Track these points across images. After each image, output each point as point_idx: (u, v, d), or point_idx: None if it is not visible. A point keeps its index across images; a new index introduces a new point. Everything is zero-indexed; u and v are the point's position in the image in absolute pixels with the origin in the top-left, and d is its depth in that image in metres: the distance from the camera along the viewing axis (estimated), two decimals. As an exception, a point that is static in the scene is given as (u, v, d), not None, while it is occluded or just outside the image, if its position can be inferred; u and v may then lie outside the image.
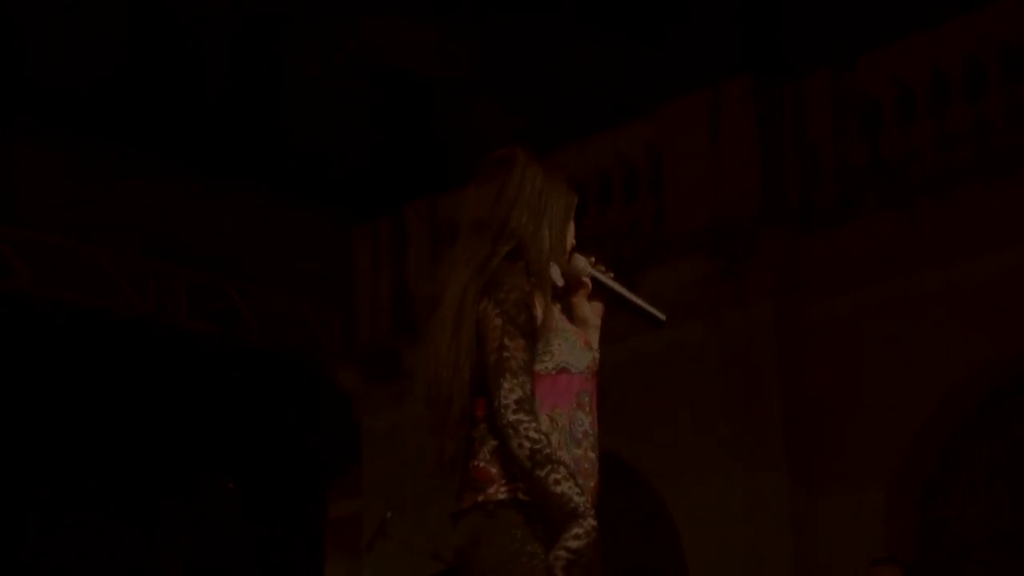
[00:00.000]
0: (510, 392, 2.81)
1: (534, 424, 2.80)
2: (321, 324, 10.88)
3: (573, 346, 2.95)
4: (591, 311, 3.09)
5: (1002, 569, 7.63)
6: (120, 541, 9.17)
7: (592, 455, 2.92)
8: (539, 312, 2.92)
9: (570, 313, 3.08)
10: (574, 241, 3.10)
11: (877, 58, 8.44)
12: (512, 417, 2.79)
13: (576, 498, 2.76)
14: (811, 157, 8.54)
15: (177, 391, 10.01)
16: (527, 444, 2.77)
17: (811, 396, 8.19)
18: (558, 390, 2.91)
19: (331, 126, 10.98)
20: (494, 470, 2.83)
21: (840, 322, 8.15)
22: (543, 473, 2.76)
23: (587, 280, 3.07)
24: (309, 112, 11.00)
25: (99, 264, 9.41)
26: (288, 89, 10.58)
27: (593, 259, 3.09)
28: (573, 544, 2.74)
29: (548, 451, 2.78)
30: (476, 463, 2.86)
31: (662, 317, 3.07)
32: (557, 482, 2.76)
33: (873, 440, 7.87)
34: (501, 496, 2.81)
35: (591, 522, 2.75)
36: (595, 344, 3.05)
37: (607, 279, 3.08)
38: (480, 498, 2.83)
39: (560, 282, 3.02)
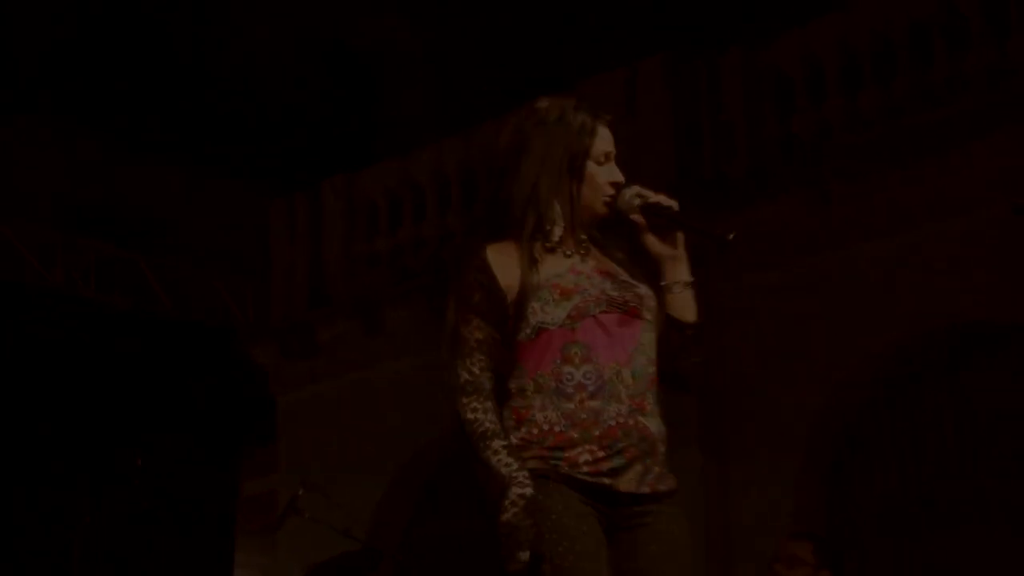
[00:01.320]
0: (458, 376, 2.85)
1: (475, 403, 2.82)
2: (236, 299, 10.79)
3: (547, 303, 2.89)
4: (666, 244, 3.00)
5: (910, 540, 7.78)
6: (24, 516, 9.02)
7: (594, 403, 2.84)
8: (515, 277, 2.89)
9: (647, 258, 2.99)
10: (621, 178, 3.01)
11: (791, 37, 8.53)
12: (460, 400, 2.83)
13: (503, 469, 2.76)
14: (725, 135, 8.61)
15: (87, 366, 9.86)
16: (467, 426, 2.81)
17: (724, 370, 8.27)
18: (538, 352, 2.88)
19: (251, 99, 10.85)
20: None
21: (752, 297, 8.23)
22: (479, 449, 2.79)
23: (638, 217, 2.96)
24: (228, 84, 10.86)
25: (6, 237, 9.24)
26: (208, 59, 10.44)
27: (637, 188, 2.99)
28: (503, 517, 2.73)
29: (483, 428, 2.80)
30: None
31: (729, 237, 2.97)
32: (488, 457, 2.79)
33: (784, 414, 7.98)
34: None
35: (516, 491, 2.73)
36: (683, 276, 2.99)
37: (661, 201, 2.96)
38: None
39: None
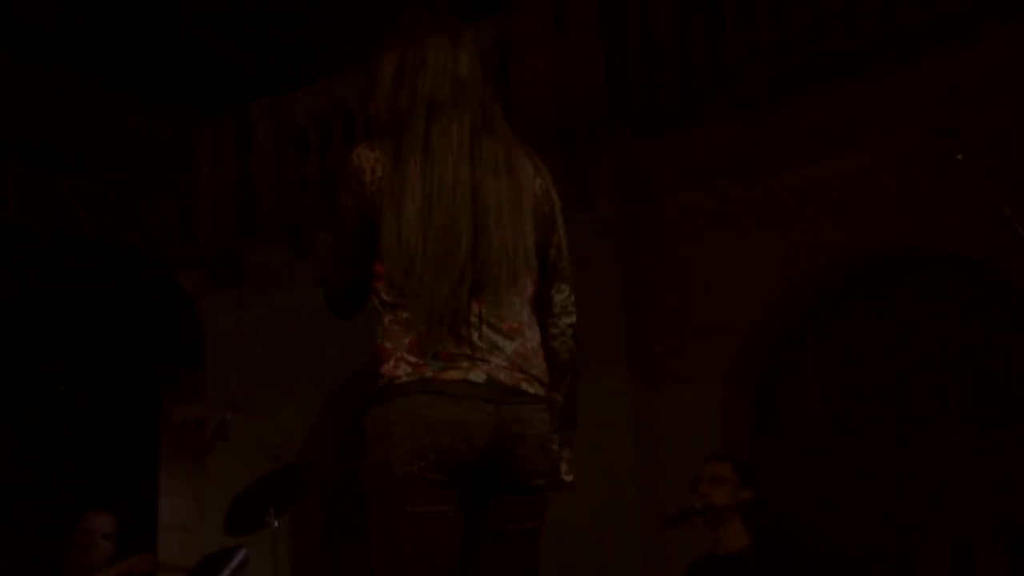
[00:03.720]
0: None
1: None
2: (162, 225, 10.65)
3: None
4: None
5: (833, 461, 7.91)
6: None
7: None
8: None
9: None
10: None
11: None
12: None
13: None
14: (655, 58, 8.59)
15: (8, 291, 9.71)
16: None
17: (652, 294, 8.32)
18: None
19: (178, 19, 10.64)
20: None
21: (681, 221, 8.27)
22: None
23: None
24: (156, 3, 10.63)
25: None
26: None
27: None
28: None
29: None
30: None
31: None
32: None
33: (711, 336, 8.05)
34: None
35: None
36: None
37: None
38: None
39: None
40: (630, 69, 8.65)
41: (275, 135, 10.22)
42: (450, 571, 2.72)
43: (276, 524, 5.89)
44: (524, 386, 2.83)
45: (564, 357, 3.00)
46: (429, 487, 2.70)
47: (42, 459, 7.45)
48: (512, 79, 9.02)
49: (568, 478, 2.99)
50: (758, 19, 8.25)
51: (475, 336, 2.77)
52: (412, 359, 2.74)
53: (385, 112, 2.93)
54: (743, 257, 7.97)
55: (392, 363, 2.75)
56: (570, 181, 8.49)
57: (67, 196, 9.77)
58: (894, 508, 7.58)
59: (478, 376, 2.76)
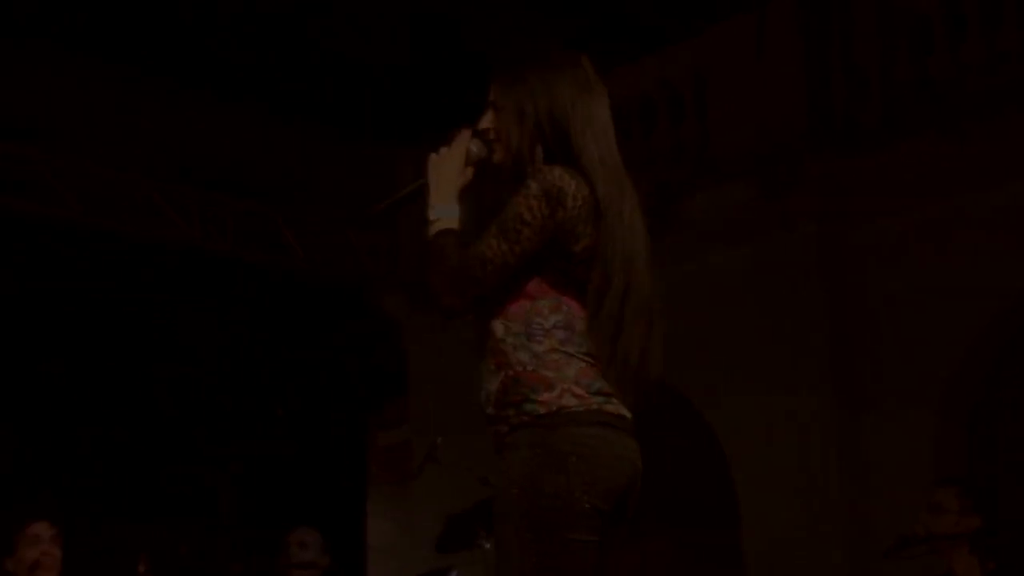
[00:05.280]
0: None
1: None
2: (367, 251, 10.93)
3: None
4: None
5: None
6: (179, 464, 9.31)
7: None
8: None
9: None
10: (484, 125, 3.03)
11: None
12: None
13: None
14: (857, 78, 8.45)
15: (226, 320, 10.11)
16: None
17: (857, 318, 8.17)
18: None
19: (378, 51, 10.94)
20: None
21: (886, 244, 8.11)
22: None
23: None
24: (356, 37, 10.95)
25: (148, 194, 9.48)
26: (335, 13, 10.53)
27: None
28: None
29: None
30: None
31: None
32: None
33: (920, 359, 7.86)
34: None
35: None
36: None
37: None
38: None
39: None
40: (831, 89, 8.52)
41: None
42: None
43: (488, 547, 5.96)
44: None
45: None
46: (598, 518, 2.76)
47: (263, 479, 7.72)
48: (709, 103, 8.99)
49: None
50: (967, 36, 8.04)
51: (612, 373, 2.85)
52: (578, 391, 2.79)
53: (553, 142, 2.92)
54: (951, 278, 7.77)
55: (557, 392, 2.79)
56: (770, 203, 8.41)
57: (279, 226, 10.12)
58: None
59: (626, 412, 2.85)
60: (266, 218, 10.09)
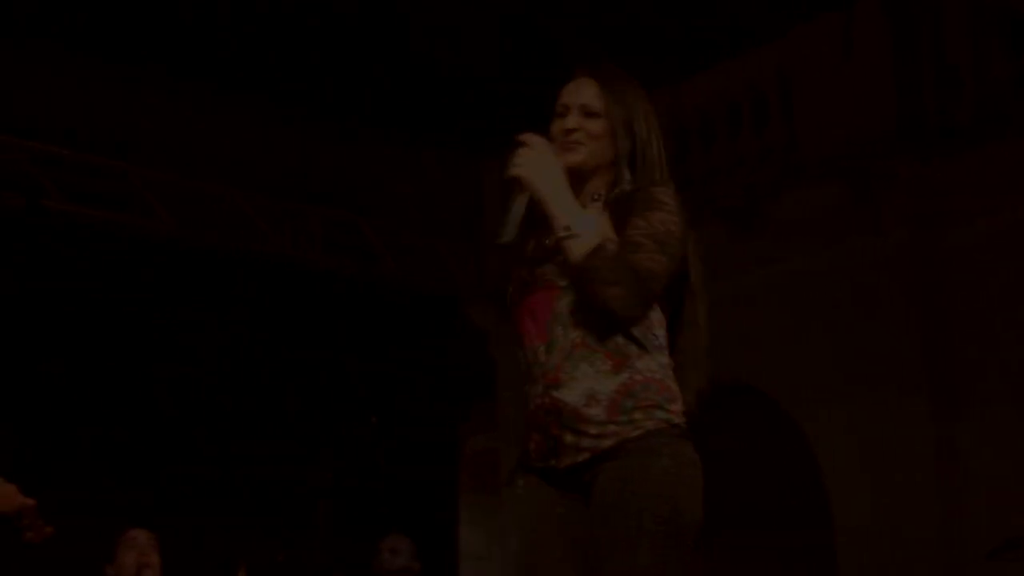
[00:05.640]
0: None
1: None
2: (455, 260, 10.98)
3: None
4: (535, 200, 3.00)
5: None
6: (274, 473, 9.39)
7: (527, 390, 2.91)
8: None
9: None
10: (566, 126, 3.00)
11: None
12: None
13: None
14: (949, 76, 8.32)
15: (317, 329, 10.21)
16: None
17: (951, 320, 8.04)
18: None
19: (464, 59, 11.00)
20: None
21: (980, 245, 7.97)
22: None
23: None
24: (441, 46, 11.03)
25: (237, 206, 9.61)
26: (416, 25, 10.62)
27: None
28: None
29: None
30: None
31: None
32: None
33: (1016, 363, 7.71)
34: None
35: None
36: (556, 231, 2.87)
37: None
38: None
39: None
40: (921, 88, 8.41)
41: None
42: None
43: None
44: None
45: None
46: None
47: (359, 490, 7.77)
48: (796, 105, 8.92)
49: None
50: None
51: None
52: (682, 408, 2.85)
53: (638, 161, 2.96)
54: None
55: (679, 406, 2.83)
56: (860, 207, 8.32)
57: (368, 236, 10.20)
58: None
59: None
60: (354, 227, 10.19)
